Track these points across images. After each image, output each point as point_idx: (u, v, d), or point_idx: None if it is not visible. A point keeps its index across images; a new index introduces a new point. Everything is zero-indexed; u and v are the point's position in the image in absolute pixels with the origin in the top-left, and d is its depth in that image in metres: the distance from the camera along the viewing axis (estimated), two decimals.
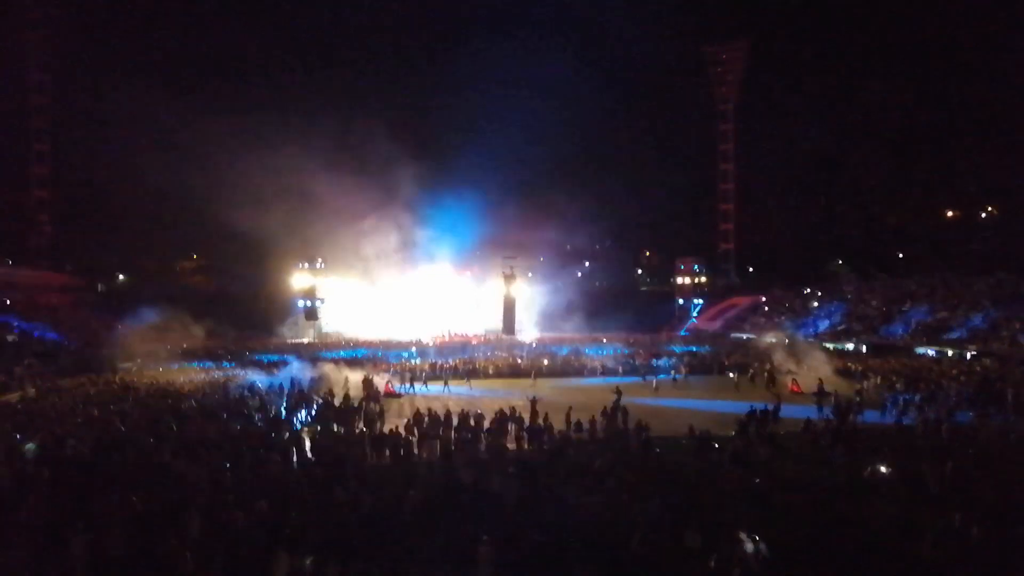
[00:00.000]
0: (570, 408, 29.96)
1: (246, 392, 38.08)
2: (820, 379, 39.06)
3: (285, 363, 51.14)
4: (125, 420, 28.50)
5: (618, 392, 34.06)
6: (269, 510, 17.01)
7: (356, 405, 33.45)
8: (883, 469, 21.33)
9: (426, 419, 28.62)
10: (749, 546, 14.70)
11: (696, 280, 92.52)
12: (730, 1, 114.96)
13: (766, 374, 44.85)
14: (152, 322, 59.23)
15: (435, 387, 43.87)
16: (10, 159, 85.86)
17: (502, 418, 28.63)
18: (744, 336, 70.10)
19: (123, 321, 65.41)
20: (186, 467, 21.27)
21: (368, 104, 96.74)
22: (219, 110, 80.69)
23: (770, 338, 61.08)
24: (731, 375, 48.54)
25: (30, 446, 23.20)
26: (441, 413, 29.63)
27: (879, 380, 41.38)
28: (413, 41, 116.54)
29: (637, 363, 52.34)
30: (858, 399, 34.22)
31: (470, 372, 48.67)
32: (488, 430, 27.33)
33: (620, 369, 50.47)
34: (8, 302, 64.53)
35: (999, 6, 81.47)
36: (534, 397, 33.39)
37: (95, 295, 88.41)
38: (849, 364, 49.03)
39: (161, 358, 54.89)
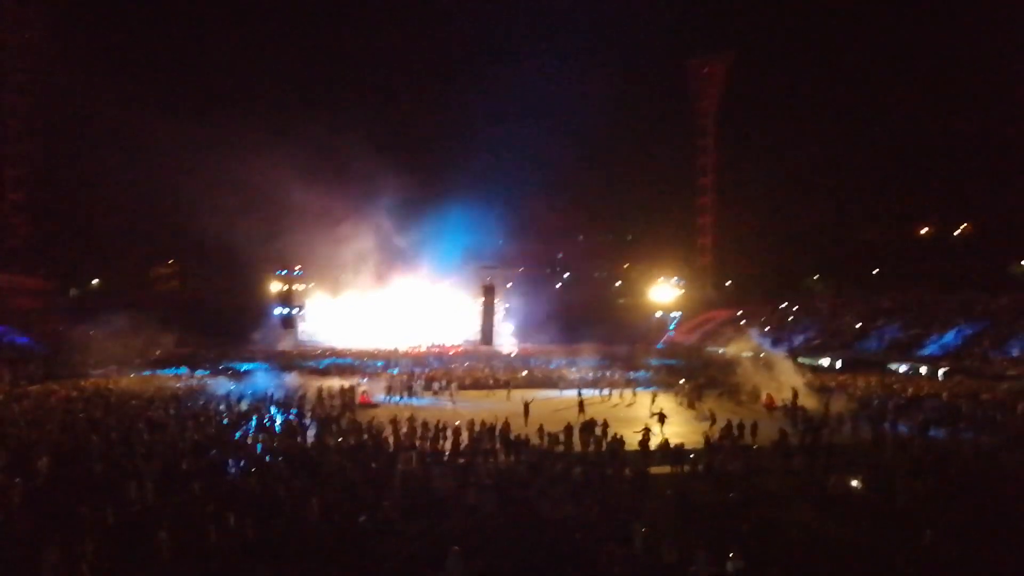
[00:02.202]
0: (571, 424, 29.61)
1: (220, 400, 37.70)
2: (793, 393, 39.39)
3: (260, 371, 50.71)
4: (96, 428, 28.07)
5: (580, 405, 35.89)
6: (242, 521, 16.85)
7: (333, 415, 33.32)
8: (855, 484, 21.48)
9: (403, 430, 28.57)
10: (729, 564, 14.73)
11: (674, 293, 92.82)
12: (711, 16, 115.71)
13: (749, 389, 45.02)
14: (125, 328, 58.56)
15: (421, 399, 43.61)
16: None
17: (479, 430, 28.60)
18: (720, 350, 70.40)
19: (95, 326, 64.68)
20: (158, 477, 21.01)
21: (349, 114, 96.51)
22: (199, 117, 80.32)
23: (745, 352, 61.42)
24: (681, 382, 48.16)
25: None
26: (418, 424, 29.55)
27: (850, 395, 41.72)
28: (396, 53, 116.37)
29: (614, 376, 52.22)
30: (837, 414, 34.54)
31: (449, 384, 48.32)
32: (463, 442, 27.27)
33: (596, 382, 50.20)
34: None
35: (976, 27, 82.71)
36: (527, 401, 35.67)
37: (68, 300, 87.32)
38: (822, 379, 49.34)
39: (134, 364, 54.24)
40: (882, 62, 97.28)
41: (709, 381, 48.50)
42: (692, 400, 41.63)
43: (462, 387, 47.83)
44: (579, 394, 41.44)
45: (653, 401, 40.07)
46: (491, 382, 50.08)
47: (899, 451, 26.43)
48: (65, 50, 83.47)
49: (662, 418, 33.17)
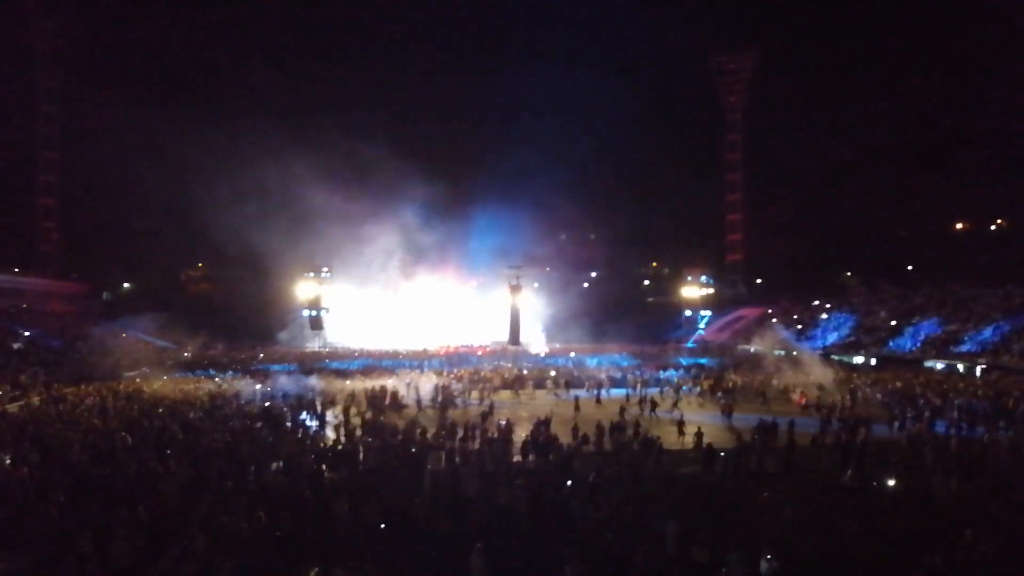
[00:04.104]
0: (602, 424, 29.66)
1: (251, 402, 37.93)
2: (818, 392, 39.26)
3: (290, 373, 51.03)
4: (130, 429, 28.28)
5: (650, 403, 36.99)
6: (274, 520, 16.86)
7: (364, 416, 33.50)
8: (891, 483, 21.07)
9: (431, 430, 28.56)
10: (763, 564, 14.43)
11: (703, 291, 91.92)
12: (739, 11, 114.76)
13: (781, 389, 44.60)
14: (157, 330, 59.18)
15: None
16: (18, 166, 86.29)
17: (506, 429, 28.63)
18: (751, 348, 69.65)
19: (128, 329, 65.46)
20: (191, 477, 21.15)
21: (377, 116, 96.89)
22: (228, 120, 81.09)
23: (778, 350, 60.79)
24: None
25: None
26: (448, 424, 29.60)
27: (879, 392, 41.38)
28: (423, 52, 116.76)
29: (644, 375, 51.76)
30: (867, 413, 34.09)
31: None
32: (493, 441, 27.15)
33: (627, 381, 49.66)
34: (14, 309, 64.53)
35: (1008, 21, 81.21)
36: (577, 397, 38.55)
37: (100, 303, 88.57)
38: (855, 376, 48.72)
39: (165, 366, 54.80)
40: (916, 56, 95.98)
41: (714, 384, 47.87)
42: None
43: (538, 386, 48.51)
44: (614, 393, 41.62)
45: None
46: (549, 383, 49.54)
47: (936, 449, 25.81)
48: (97, 56, 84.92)
49: (653, 405, 36.81)
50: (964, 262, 79.02)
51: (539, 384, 49.19)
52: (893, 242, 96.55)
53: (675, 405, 38.06)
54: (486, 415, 33.40)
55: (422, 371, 53.82)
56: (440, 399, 39.91)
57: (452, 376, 50.75)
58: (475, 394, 43.74)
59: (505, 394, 45.98)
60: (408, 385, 44.76)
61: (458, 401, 41.05)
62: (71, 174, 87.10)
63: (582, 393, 43.49)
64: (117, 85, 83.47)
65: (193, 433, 27.87)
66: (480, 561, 14.67)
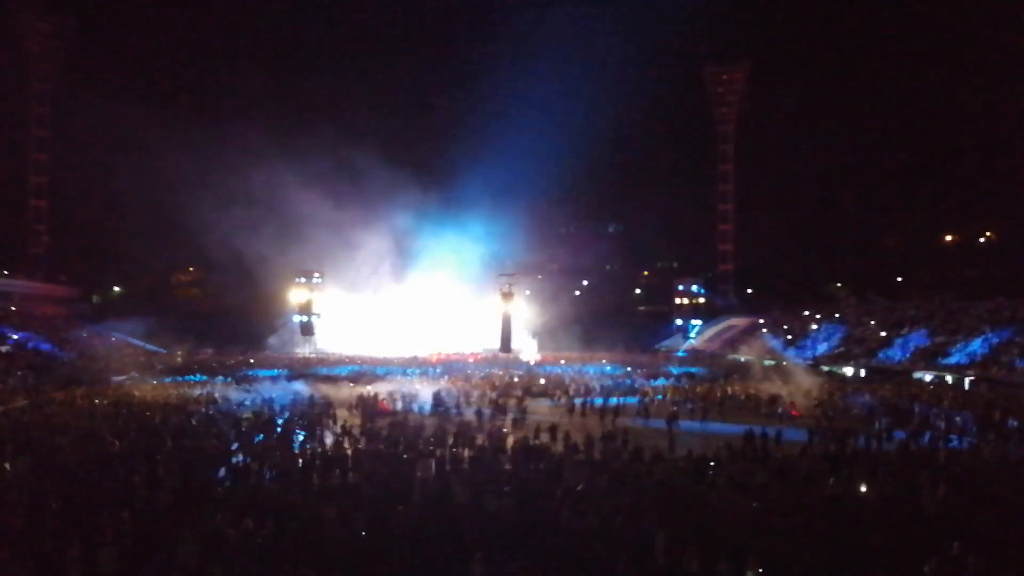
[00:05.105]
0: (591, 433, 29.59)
1: (241, 408, 37.73)
2: (793, 401, 40.02)
3: (280, 378, 50.82)
4: (119, 435, 28.07)
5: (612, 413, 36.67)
6: (261, 527, 16.77)
7: (353, 422, 33.38)
8: (879, 494, 21.11)
9: (422, 437, 28.48)
10: (749, 574, 14.44)
11: (695, 301, 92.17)
12: (732, 23, 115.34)
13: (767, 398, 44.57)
14: (146, 335, 58.86)
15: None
16: (9, 169, 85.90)
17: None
18: (742, 358, 69.75)
19: (117, 333, 65.10)
20: (179, 484, 21.03)
21: (369, 120, 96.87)
22: (220, 125, 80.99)
23: (766, 360, 60.87)
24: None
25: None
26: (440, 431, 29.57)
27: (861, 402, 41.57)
28: (417, 58, 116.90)
29: (635, 384, 51.70)
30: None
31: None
32: (482, 448, 27.09)
33: (618, 390, 49.39)
34: (2, 312, 64.08)
35: (1000, 34, 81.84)
36: (572, 404, 38.88)
37: (90, 307, 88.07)
38: (821, 385, 48.77)
39: (155, 371, 54.52)
40: (905, 70, 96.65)
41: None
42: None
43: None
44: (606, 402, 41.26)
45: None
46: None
47: (924, 460, 25.87)
48: (89, 60, 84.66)
49: (616, 412, 36.85)
50: (953, 274, 79.48)
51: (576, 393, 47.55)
52: (883, 254, 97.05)
53: (637, 413, 38.17)
54: (517, 421, 34.39)
55: (408, 378, 53.63)
56: (491, 407, 39.04)
57: (446, 382, 50.56)
58: (512, 401, 42.65)
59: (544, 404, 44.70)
60: (440, 391, 43.45)
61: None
62: (62, 177, 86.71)
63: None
64: (109, 88, 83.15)
65: (182, 439, 27.72)
66: (481, 569, 14.68)
